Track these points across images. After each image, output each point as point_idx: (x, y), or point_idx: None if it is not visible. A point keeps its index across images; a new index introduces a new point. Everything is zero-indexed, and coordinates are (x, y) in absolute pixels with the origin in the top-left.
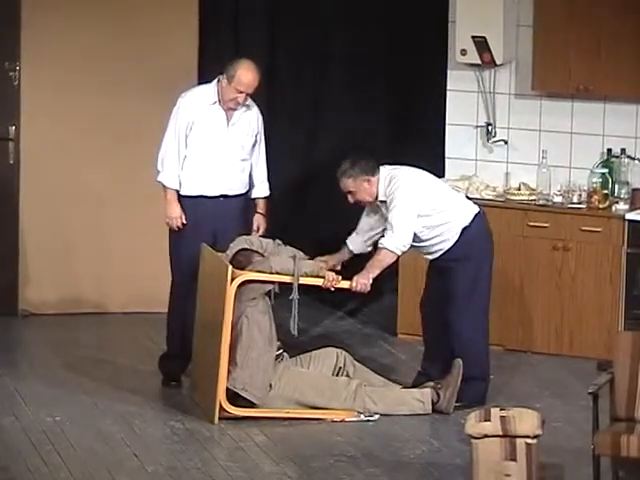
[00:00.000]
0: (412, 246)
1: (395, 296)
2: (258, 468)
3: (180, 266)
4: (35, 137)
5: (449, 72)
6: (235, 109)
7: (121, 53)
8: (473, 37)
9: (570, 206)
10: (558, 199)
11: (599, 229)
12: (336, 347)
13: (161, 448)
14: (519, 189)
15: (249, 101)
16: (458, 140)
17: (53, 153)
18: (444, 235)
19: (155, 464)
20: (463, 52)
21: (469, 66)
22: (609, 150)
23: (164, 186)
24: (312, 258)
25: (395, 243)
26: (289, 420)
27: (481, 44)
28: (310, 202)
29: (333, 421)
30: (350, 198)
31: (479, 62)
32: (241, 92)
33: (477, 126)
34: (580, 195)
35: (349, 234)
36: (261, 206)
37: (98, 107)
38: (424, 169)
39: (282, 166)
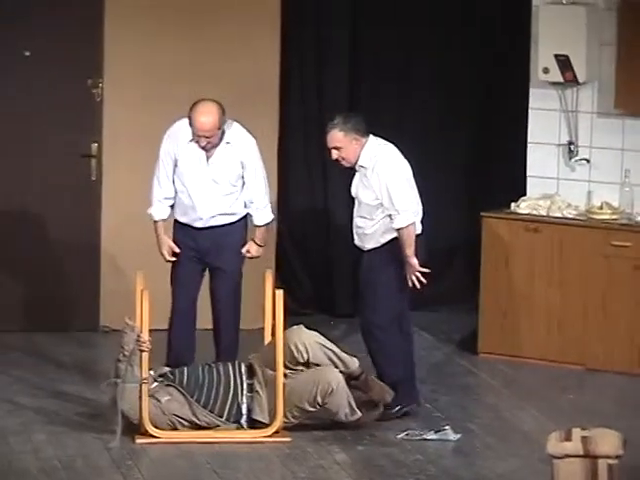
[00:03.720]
0: (358, 226)
1: (474, 314)
2: None
3: (175, 288)
4: (117, 154)
5: (531, 90)
6: (206, 150)
7: (203, 70)
8: (556, 55)
9: None
10: None
11: None
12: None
13: (242, 465)
14: (601, 208)
15: (232, 135)
16: (540, 158)
17: (135, 170)
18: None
19: None
20: (545, 70)
21: (551, 84)
22: None
23: (153, 220)
24: None
25: (405, 219)
26: (369, 438)
27: (564, 62)
28: None
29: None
30: (334, 153)
31: (561, 80)
32: (199, 136)
33: (559, 145)
34: None
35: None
36: (256, 234)
37: None
38: (507, 187)
39: None
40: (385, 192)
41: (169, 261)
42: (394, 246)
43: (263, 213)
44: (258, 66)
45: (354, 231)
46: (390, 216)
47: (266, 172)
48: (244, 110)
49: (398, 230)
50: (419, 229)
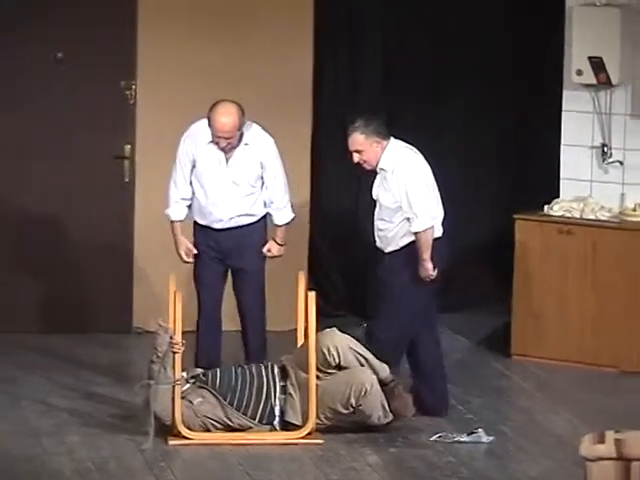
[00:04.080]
0: (379, 229)
1: (507, 316)
2: None
3: (200, 290)
4: (150, 156)
5: (565, 92)
6: (225, 151)
7: (236, 73)
8: (589, 57)
9: None
10: None
11: None
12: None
13: (274, 466)
14: (635, 210)
15: (250, 136)
16: (573, 161)
17: (168, 172)
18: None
19: None
20: (579, 72)
21: (585, 86)
22: None
23: (170, 220)
24: None
25: (423, 223)
26: (401, 440)
27: (597, 64)
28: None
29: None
30: (356, 157)
31: (595, 82)
32: (219, 137)
33: (592, 147)
34: None
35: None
36: (277, 233)
37: None
38: (540, 190)
39: None
40: (404, 195)
41: (186, 262)
42: (414, 249)
43: (283, 213)
44: (292, 68)
45: (375, 233)
46: (408, 219)
47: (299, 173)
48: (277, 112)
49: (416, 234)
50: (440, 232)
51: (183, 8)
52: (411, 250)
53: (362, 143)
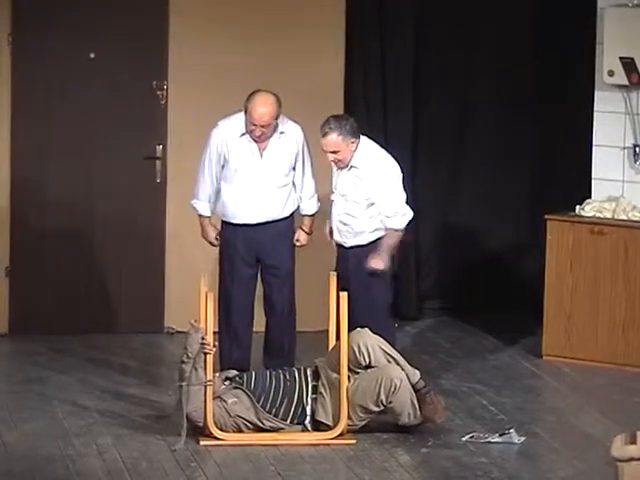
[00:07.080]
0: (343, 223)
1: (538, 317)
2: None
3: (225, 289)
4: (182, 156)
5: (596, 93)
6: (258, 141)
7: (267, 74)
8: (621, 58)
9: None
10: None
11: None
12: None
13: (306, 467)
14: None
15: (284, 125)
16: (605, 161)
17: None
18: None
19: None
20: (610, 73)
21: (616, 87)
22: None
23: (199, 214)
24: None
25: (404, 220)
26: (433, 441)
27: (629, 65)
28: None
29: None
30: (331, 157)
31: (627, 83)
32: (255, 125)
33: (624, 147)
34: None
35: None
36: (305, 223)
37: None
38: (572, 190)
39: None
40: (384, 194)
41: (215, 245)
42: (378, 243)
43: (312, 202)
44: (323, 68)
45: (335, 227)
46: (387, 216)
47: (329, 173)
48: (308, 111)
49: (392, 230)
50: None
51: (215, 8)
52: (376, 244)
53: (339, 144)
